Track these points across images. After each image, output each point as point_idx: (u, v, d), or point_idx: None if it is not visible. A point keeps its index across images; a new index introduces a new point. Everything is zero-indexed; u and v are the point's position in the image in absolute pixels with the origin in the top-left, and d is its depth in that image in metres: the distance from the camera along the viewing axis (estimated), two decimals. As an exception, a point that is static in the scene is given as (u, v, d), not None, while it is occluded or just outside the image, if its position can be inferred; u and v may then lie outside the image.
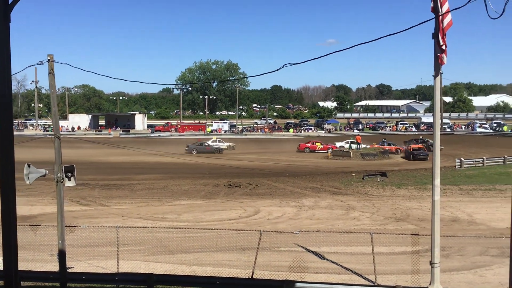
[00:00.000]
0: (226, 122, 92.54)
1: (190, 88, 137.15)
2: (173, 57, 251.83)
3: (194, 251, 16.81)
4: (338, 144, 57.25)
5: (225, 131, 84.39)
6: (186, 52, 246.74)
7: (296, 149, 57.37)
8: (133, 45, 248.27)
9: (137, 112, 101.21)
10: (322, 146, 56.99)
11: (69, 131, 79.40)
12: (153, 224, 20.89)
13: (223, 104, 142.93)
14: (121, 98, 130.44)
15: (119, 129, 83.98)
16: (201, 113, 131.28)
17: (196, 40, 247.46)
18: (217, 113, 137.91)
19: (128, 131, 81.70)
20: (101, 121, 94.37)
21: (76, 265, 14.83)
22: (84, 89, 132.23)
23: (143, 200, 27.15)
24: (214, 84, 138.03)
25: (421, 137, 58.35)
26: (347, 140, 59.18)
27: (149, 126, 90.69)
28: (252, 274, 13.58)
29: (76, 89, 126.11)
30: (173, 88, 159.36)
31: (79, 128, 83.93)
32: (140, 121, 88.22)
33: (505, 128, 76.99)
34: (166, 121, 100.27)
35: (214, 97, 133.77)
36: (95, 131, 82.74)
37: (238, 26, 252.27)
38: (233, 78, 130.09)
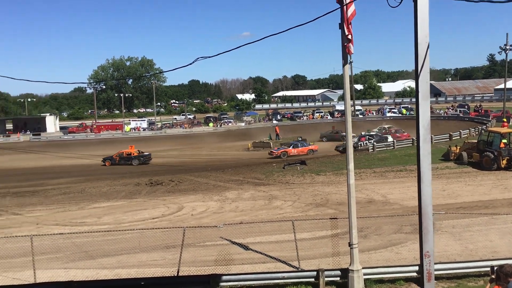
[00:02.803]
0: (144, 120, 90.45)
1: (104, 87, 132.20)
2: (84, 55, 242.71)
3: (117, 254, 16.32)
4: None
5: (144, 129, 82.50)
6: (98, 50, 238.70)
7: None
8: (41, 44, 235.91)
9: (48, 114, 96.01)
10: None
11: (-26, 138, 73.84)
12: (71, 229, 19.98)
13: (140, 102, 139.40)
14: (29, 100, 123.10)
15: (29, 132, 79.33)
16: (117, 111, 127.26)
17: (108, 37, 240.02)
18: (135, 110, 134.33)
19: (39, 135, 77.28)
20: (9, 126, 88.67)
21: (-11, 279, 13.91)
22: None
23: (59, 206, 25.93)
24: (130, 81, 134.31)
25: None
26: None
27: (62, 128, 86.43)
28: (178, 272, 13.42)
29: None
30: (86, 87, 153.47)
31: (-15, 134, 78.29)
32: (52, 123, 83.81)
33: (403, 111, 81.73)
34: (80, 122, 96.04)
35: (130, 95, 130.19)
36: (3, 136, 77.51)
37: (153, 22, 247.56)
38: (148, 74, 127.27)
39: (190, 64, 10.93)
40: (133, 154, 45.68)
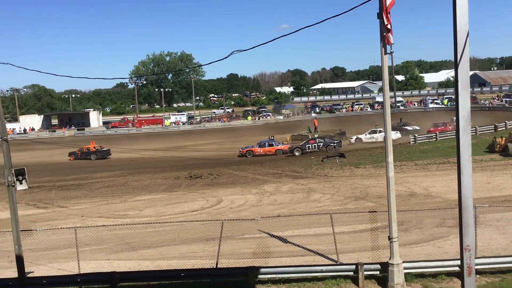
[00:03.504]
0: (184, 114, 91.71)
1: (145, 82, 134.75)
2: (124, 51, 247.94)
3: (158, 246, 16.66)
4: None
5: (183, 123, 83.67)
6: (138, 46, 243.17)
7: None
8: (83, 40, 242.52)
9: (91, 109, 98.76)
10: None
11: (21, 133, 76.77)
12: (114, 222, 20.51)
13: (179, 96, 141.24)
14: (73, 96, 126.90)
15: (74, 127, 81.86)
16: (158, 106, 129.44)
17: (148, 32, 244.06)
18: (174, 105, 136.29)
19: (83, 129, 79.73)
20: (54, 121, 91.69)
21: (36, 269, 14.47)
22: (34, 89, 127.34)
23: (103, 199, 26.65)
24: (169, 76, 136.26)
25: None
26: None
27: (105, 123, 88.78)
28: (217, 264, 13.59)
29: (25, 89, 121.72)
30: (127, 83, 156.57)
31: (32, 129, 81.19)
32: (95, 118, 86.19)
33: (445, 102, 79.64)
34: (122, 117, 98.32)
35: (170, 89, 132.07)
36: (49, 131, 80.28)
37: (192, 15, 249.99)
38: (186, 68, 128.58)
39: (226, 57, 10.97)
40: (92, 149, 48.37)
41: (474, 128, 40.35)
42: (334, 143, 41.08)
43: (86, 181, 33.10)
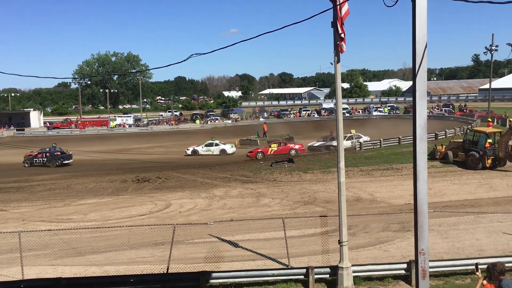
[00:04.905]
0: (130, 116, 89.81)
1: (89, 82, 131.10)
2: (68, 50, 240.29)
3: (105, 251, 16.21)
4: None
5: (130, 125, 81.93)
6: (82, 44, 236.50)
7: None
8: (23, 37, 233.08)
9: (32, 109, 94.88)
10: None
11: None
12: (57, 226, 19.78)
13: (125, 98, 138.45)
14: (12, 94, 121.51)
15: (13, 128, 78.38)
16: (102, 107, 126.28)
17: (93, 31, 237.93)
18: (120, 106, 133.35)
19: (23, 130, 76.51)
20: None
21: (-25, 276, 13.72)
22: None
23: (45, 202, 25.63)
24: (115, 77, 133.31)
25: None
26: None
27: (45, 123, 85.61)
28: (168, 269, 13.39)
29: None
30: (70, 83, 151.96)
31: (-32, 129, 77.01)
32: (36, 119, 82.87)
33: (385, 110, 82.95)
34: (65, 117, 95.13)
35: (116, 91, 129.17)
36: (-14, 131, 76.42)
37: (137, 16, 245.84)
38: (137, 70, 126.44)
39: (184, 60, 10.86)
40: None
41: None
42: (58, 159, 41.81)
43: (26, 184, 31.77)
